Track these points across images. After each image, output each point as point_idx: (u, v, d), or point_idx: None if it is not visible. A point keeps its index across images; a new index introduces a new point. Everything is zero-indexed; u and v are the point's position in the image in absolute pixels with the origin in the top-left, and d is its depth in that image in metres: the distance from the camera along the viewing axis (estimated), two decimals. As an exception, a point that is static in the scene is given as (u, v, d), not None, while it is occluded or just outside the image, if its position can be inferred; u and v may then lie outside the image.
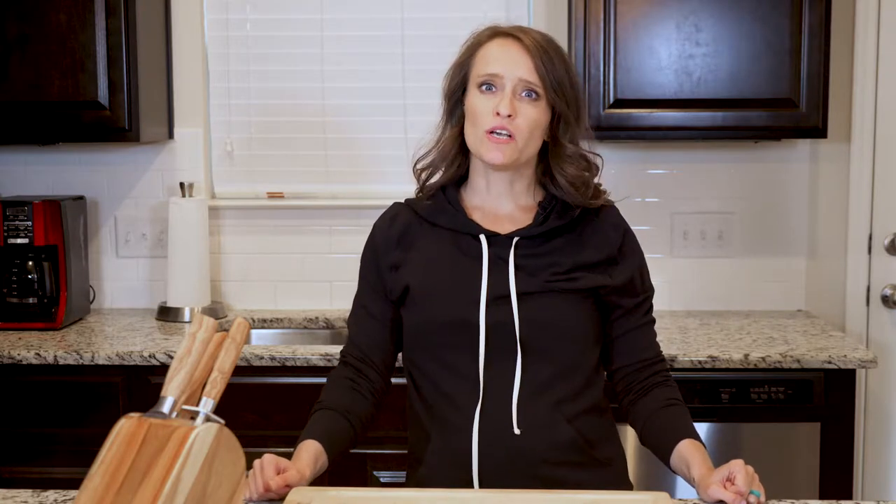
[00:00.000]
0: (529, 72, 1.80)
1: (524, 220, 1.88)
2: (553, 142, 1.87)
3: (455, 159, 1.91)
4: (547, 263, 1.84)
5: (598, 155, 1.93)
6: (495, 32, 1.86)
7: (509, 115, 1.79)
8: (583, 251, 1.86)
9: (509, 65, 1.81)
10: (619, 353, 1.90)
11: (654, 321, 1.94)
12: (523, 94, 1.81)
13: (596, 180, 1.92)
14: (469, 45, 1.88)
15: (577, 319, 1.83)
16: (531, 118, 1.81)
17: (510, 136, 1.80)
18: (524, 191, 1.90)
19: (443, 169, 1.92)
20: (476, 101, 1.83)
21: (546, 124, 1.85)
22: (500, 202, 1.90)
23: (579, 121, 1.87)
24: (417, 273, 1.87)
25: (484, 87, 1.82)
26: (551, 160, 1.87)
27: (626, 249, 1.90)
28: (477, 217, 1.89)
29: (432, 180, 1.94)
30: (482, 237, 1.85)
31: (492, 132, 1.80)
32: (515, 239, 1.85)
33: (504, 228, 1.87)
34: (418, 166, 1.94)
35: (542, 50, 1.81)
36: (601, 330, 1.89)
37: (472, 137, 1.84)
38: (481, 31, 1.89)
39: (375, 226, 1.97)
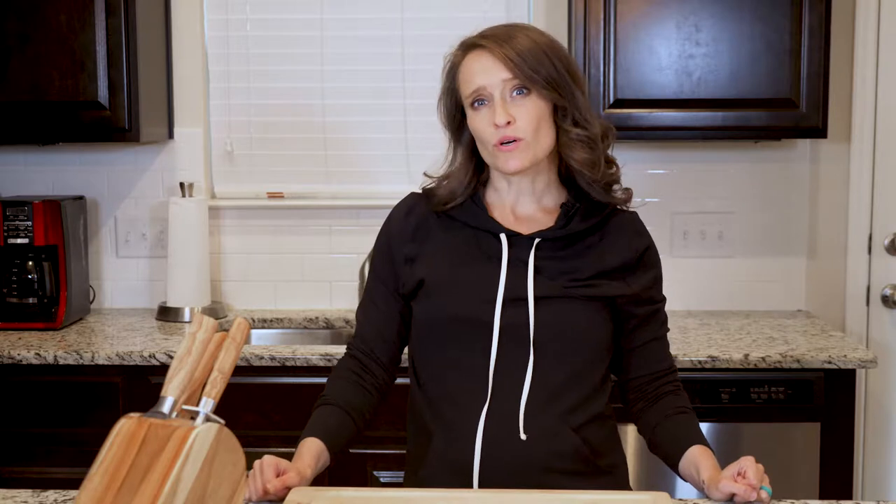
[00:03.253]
0: (507, 71, 1.77)
1: (546, 221, 1.86)
2: (558, 130, 1.83)
3: (470, 182, 1.88)
4: (567, 268, 1.82)
5: (608, 126, 1.88)
6: (464, 47, 1.84)
7: (508, 123, 1.77)
8: (604, 257, 1.84)
9: (487, 74, 1.78)
10: (634, 366, 1.89)
11: (667, 331, 1.93)
12: (514, 94, 1.79)
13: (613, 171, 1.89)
14: (447, 69, 1.87)
15: (593, 327, 1.82)
16: (530, 113, 1.78)
17: (517, 139, 1.77)
18: (546, 189, 1.87)
19: (460, 194, 1.89)
20: (475, 120, 1.81)
21: (549, 112, 1.81)
22: (522, 202, 1.87)
23: (574, 97, 1.82)
24: (433, 267, 1.85)
25: (476, 104, 1.81)
26: (561, 150, 1.83)
27: (647, 260, 1.88)
28: (497, 216, 1.87)
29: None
30: (503, 236, 1.83)
31: (499, 143, 1.78)
32: (536, 240, 1.83)
33: (525, 229, 1.85)
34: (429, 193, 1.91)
35: (509, 44, 1.78)
36: (613, 340, 1.87)
37: (485, 154, 1.83)
38: (453, 52, 1.86)
39: (391, 216, 1.95)
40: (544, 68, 1.78)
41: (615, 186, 1.88)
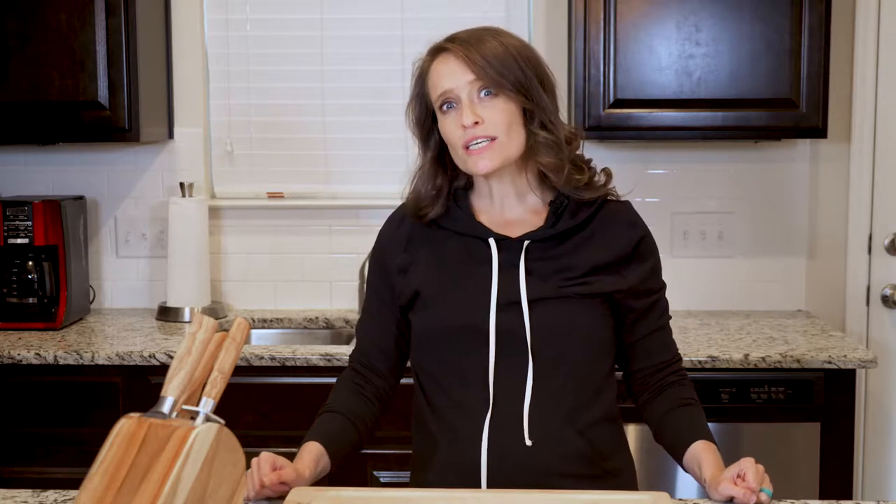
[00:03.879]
0: (472, 73, 1.77)
1: (536, 222, 1.84)
2: (527, 133, 1.82)
3: (438, 186, 1.87)
4: (560, 267, 1.80)
5: (574, 131, 1.87)
6: (432, 52, 1.84)
7: (476, 123, 1.76)
8: (596, 252, 1.82)
9: (453, 76, 1.78)
10: (637, 358, 1.88)
11: (669, 320, 1.91)
12: (482, 95, 1.78)
13: (598, 167, 1.88)
14: (417, 76, 1.86)
15: (590, 325, 1.80)
16: (501, 112, 1.77)
17: (492, 138, 1.77)
18: (528, 189, 1.85)
19: (431, 198, 1.88)
20: (444, 124, 1.81)
21: (519, 114, 1.80)
22: (508, 205, 1.86)
23: (543, 101, 1.81)
24: (427, 277, 1.85)
25: (444, 107, 1.80)
26: (528, 153, 1.82)
27: (642, 251, 1.85)
28: (486, 221, 1.86)
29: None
30: (491, 241, 1.82)
31: (467, 146, 1.78)
32: (526, 242, 1.81)
33: (514, 232, 1.83)
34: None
35: (475, 47, 1.77)
36: (615, 335, 1.85)
37: (457, 159, 1.82)
38: (422, 58, 1.86)
39: (382, 229, 1.95)
40: (512, 73, 1.78)
41: (595, 179, 1.86)
